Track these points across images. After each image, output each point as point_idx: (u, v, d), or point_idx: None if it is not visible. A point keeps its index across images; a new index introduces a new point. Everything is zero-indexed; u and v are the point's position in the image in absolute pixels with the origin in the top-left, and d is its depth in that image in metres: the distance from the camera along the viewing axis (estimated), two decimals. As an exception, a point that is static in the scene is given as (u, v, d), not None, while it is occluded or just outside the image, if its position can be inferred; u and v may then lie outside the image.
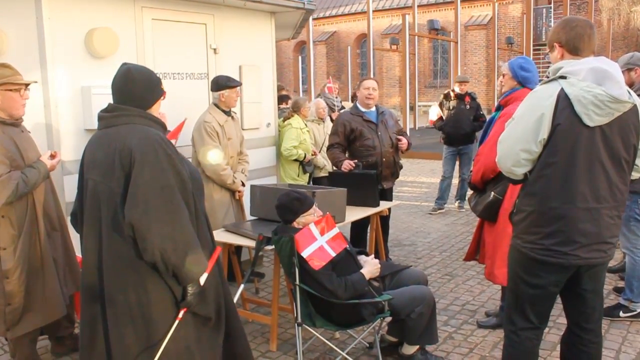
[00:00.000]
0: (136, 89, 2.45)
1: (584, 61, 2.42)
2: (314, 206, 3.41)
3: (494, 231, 3.65)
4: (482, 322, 4.11)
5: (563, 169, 2.41)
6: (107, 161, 2.34)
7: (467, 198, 7.71)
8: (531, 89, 3.62)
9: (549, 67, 2.59)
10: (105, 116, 2.46)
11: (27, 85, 3.26)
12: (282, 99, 7.06)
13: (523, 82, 3.65)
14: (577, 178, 2.40)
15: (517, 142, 2.49)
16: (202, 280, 2.40)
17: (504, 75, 3.77)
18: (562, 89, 2.38)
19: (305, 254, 3.12)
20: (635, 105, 2.41)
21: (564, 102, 2.36)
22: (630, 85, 4.04)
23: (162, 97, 2.57)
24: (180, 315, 2.37)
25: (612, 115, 2.35)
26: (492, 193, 3.56)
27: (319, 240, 3.18)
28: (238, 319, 2.72)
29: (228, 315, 2.62)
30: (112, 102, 2.51)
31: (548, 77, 2.52)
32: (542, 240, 2.49)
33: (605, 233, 2.48)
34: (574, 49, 2.49)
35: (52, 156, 3.34)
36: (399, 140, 5.13)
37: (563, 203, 2.43)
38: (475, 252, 3.96)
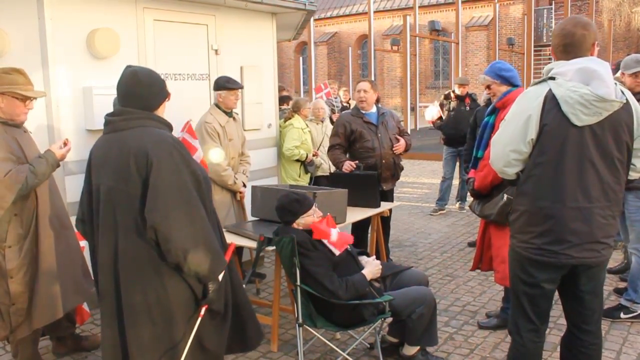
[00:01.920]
0: (143, 91, 2.46)
1: (573, 62, 2.46)
2: (314, 207, 3.41)
3: (505, 234, 3.61)
4: (483, 322, 4.11)
5: (552, 168, 2.44)
6: (121, 165, 2.34)
7: (467, 199, 7.76)
8: (521, 87, 3.67)
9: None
10: (114, 120, 2.46)
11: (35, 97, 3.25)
12: (282, 100, 7.07)
13: (512, 82, 3.69)
14: (566, 177, 2.42)
15: (507, 143, 2.54)
16: (220, 277, 2.46)
17: (489, 87, 3.80)
18: (549, 90, 2.42)
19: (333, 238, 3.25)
20: (627, 104, 2.43)
21: (551, 103, 2.40)
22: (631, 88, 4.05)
23: (167, 99, 2.57)
24: (202, 312, 2.42)
25: (601, 114, 2.37)
26: (505, 195, 3.53)
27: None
28: (249, 303, 2.80)
29: (240, 301, 2.69)
30: (115, 104, 2.52)
31: (541, 78, 2.57)
32: (534, 239, 2.52)
33: (598, 233, 2.48)
34: (558, 55, 2.56)
35: (64, 144, 3.31)
36: (397, 140, 5.11)
37: (553, 202, 2.45)
38: (481, 259, 3.94)
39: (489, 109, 3.86)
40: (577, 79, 2.37)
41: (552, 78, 2.45)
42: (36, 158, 3.16)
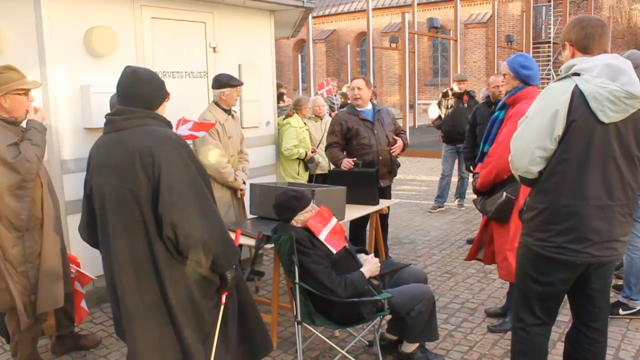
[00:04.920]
0: (144, 90, 2.47)
1: (598, 58, 2.41)
2: (312, 203, 3.41)
3: (506, 232, 3.61)
4: (493, 327, 4.01)
5: (576, 165, 2.40)
6: (126, 164, 2.34)
7: (466, 196, 7.76)
8: (535, 86, 3.62)
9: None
10: (115, 119, 2.46)
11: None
12: (278, 97, 7.06)
13: (526, 81, 3.62)
14: (591, 175, 2.39)
15: (532, 140, 2.47)
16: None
17: (504, 75, 3.74)
18: (576, 86, 2.36)
19: (322, 236, 3.24)
20: None
21: (578, 99, 2.35)
22: None
23: (166, 99, 2.58)
24: (224, 300, 2.48)
25: (627, 111, 2.34)
26: (505, 193, 3.51)
27: (323, 231, 3.26)
28: (256, 310, 2.80)
29: (246, 308, 2.70)
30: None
31: (559, 75, 2.52)
32: (554, 237, 2.47)
33: (618, 231, 2.46)
34: (584, 48, 2.49)
35: (35, 110, 3.34)
36: (394, 141, 5.12)
37: (576, 200, 2.41)
38: (477, 252, 3.94)
39: (499, 104, 3.83)
40: (605, 75, 2.33)
41: (577, 74, 2.39)
42: (27, 132, 3.21)
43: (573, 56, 2.52)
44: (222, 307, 2.50)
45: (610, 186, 2.41)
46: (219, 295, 2.51)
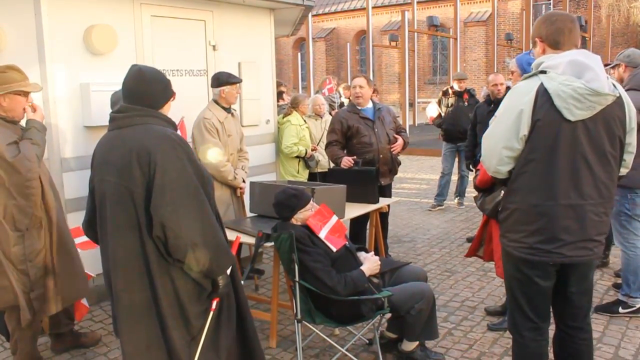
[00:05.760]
0: (148, 89, 2.46)
1: (564, 54, 2.39)
2: (311, 201, 3.41)
3: None
4: (493, 325, 4.04)
5: (544, 165, 2.38)
6: (124, 162, 2.34)
7: (466, 195, 7.76)
8: None
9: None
10: (118, 117, 2.46)
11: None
12: (278, 96, 7.03)
13: None
14: (559, 174, 2.37)
15: (499, 139, 2.46)
16: (228, 271, 2.50)
17: (512, 72, 3.74)
18: (541, 84, 2.35)
19: (322, 234, 3.24)
20: (620, 98, 2.38)
21: (543, 97, 2.34)
22: (620, 81, 4.01)
23: (172, 98, 2.58)
24: (214, 306, 2.44)
25: (594, 108, 2.31)
26: (502, 192, 3.52)
27: (323, 230, 3.26)
28: (251, 318, 2.78)
29: (242, 310, 2.68)
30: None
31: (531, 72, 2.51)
32: (525, 238, 2.47)
33: (591, 231, 2.43)
34: (555, 43, 2.47)
35: (34, 109, 3.33)
36: (395, 139, 5.12)
37: (545, 200, 2.40)
38: (478, 248, 3.94)
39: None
40: (570, 72, 2.31)
41: (543, 72, 2.38)
42: (27, 131, 3.21)
43: (544, 52, 2.50)
44: (211, 313, 2.46)
45: (580, 185, 2.38)
46: (209, 301, 2.48)
